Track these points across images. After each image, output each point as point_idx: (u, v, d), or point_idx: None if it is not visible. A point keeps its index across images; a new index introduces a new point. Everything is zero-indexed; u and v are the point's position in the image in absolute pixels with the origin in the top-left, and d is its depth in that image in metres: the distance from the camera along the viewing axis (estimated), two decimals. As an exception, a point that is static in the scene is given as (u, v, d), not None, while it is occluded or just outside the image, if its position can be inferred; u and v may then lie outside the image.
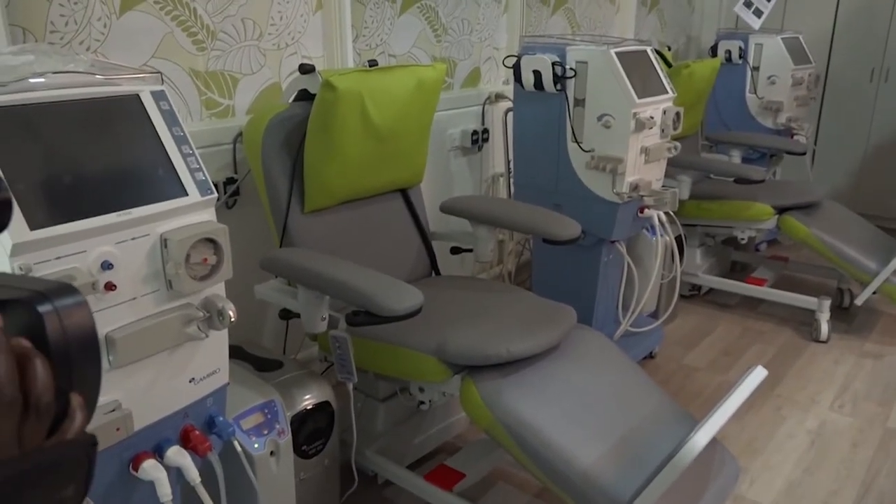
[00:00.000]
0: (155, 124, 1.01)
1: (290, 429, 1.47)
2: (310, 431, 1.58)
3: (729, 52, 3.74)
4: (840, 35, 4.18)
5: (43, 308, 0.44)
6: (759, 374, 1.49)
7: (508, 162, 2.86)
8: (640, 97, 2.14)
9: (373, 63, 1.91)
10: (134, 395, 0.97)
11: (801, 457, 2.10)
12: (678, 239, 2.84)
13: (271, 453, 1.41)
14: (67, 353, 0.45)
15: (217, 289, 1.05)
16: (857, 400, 2.40)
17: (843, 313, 3.05)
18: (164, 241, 0.96)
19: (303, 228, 1.77)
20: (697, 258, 3.16)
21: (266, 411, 1.44)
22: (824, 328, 2.78)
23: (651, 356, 2.68)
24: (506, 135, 2.83)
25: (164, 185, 0.98)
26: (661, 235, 2.70)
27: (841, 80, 4.21)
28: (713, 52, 3.81)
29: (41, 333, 0.44)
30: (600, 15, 3.50)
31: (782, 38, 3.62)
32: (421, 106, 1.88)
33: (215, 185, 1.91)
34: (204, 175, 1.03)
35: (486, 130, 2.81)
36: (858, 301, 2.72)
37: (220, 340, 1.09)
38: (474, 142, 2.75)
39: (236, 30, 1.95)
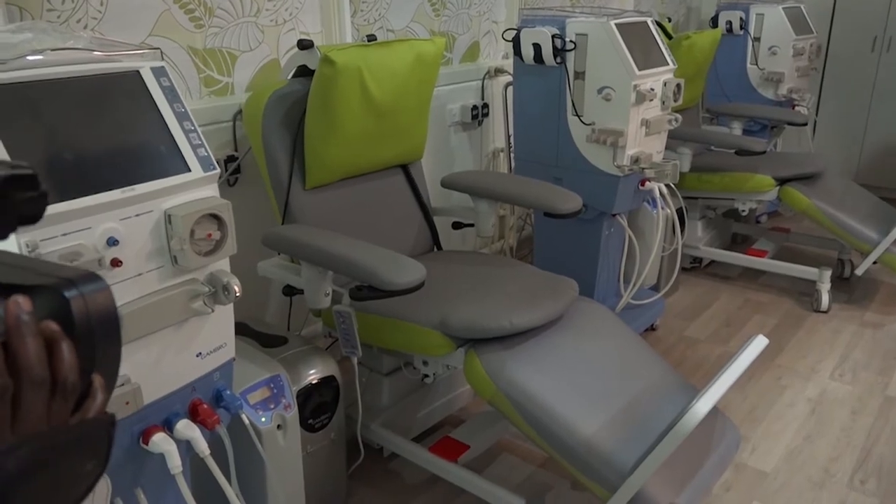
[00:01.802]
0: (156, 100, 1.01)
1: (296, 403, 1.49)
2: (315, 405, 1.60)
3: (730, 22, 3.71)
4: (841, 3, 4.14)
5: (70, 293, 0.45)
6: (759, 342, 1.50)
7: (509, 136, 2.86)
8: (640, 69, 2.13)
9: (371, 38, 1.90)
10: (142, 369, 0.98)
11: (802, 425, 2.13)
12: (679, 211, 2.84)
13: (278, 427, 1.43)
14: (91, 336, 0.47)
15: (222, 264, 1.06)
16: (856, 369, 2.41)
17: (844, 284, 3.06)
18: (168, 217, 0.97)
19: (304, 205, 1.78)
20: (698, 230, 3.16)
21: (272, 385, 1.45)
22: (825, 298, 2.79)
23: (652, 328, 2.69)
24: (506, 109, 2.82)
25: (166, 161, 0.99)
26: (662, 208, 2.70)
27: (842, 49, 4.18)
28: (714, 23, 3.78)
29: (68, 317, 0.45)
30: (598, -14, 3.47)
31: (784, 8, 3.59)
32: (420, 80, 1.87)
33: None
34: (206, 151, 1.03)
35: (485, 105, 2.80)
36: (859, 271, 2.73)
37: (226, 315, 1.10)
38: (474, 117, 2.74)
39: (234, 6, 1.94)
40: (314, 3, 2.15)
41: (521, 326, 1.57)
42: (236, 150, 1.97)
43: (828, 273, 2.78)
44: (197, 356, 1.06)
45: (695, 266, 3.23)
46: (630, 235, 2.41)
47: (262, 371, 1.47)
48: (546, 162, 2.39)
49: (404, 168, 2.04)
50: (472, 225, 2.11)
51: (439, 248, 2.14)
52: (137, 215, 0.95)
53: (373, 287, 1.40)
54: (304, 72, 1.82)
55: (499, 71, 2.82)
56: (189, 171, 1.01)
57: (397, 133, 1.89)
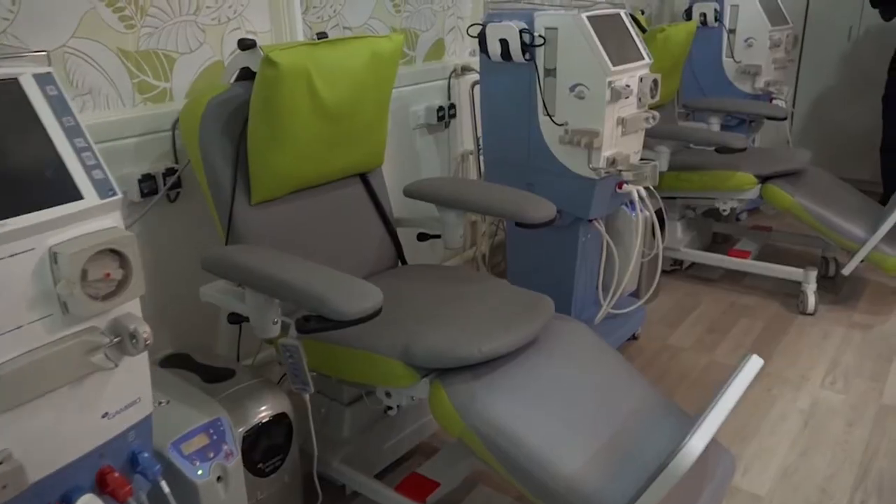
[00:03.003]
0: (39, 114, 0.83)
1: (239, 449, 1.32)
2: (266, 447, 1.43)
3: (704, 14, 3.59)
4: (817, -7, 4.05)
5: None
6: (754, 364, 1.36)
7: (477, 139, 2.70)
8: (615, 64, 1.98)
9: (322, 35, 1.73)
10: (28, 441, 0.81)
11: (796, 440, 2.00)
12: (658, 213, 2.71)
13: (218, 479, 1.26)
14: None
15: (129, 307, 0.89)
16: (848, 375, 2.30)
17: (830, 283, 2.95)
18: (53, 256, 0.80)
19: (251, 222, 1.61)
20: (678, 232, 3.04)
21: (211, 431, 1.28)
22: (811, 300, 2.68)
23: (634, 337, 2.55)
24: (473, 110, 2.67)
25: (52, 187, 0.81)
26: (641, 211, 2.57)
27: (818, 40, 4.09)
28: (688, 15, 3.65)
29: None
30: (569, -21, 3.32)
31: (759, -1, 3.48)
32: (377, 81, 1.71)
33: (153, 178, 1.76)
34: (104, 173, 0.86)
35: (452, 106, 2.64)
36: (846, 271, 2.62)
37: (138, 366, 0.93)
38: (440, 118, 2.58)
39: (170, 4, 1.76)
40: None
41: (492, 354, 1.41)
42: (176, 162, 1.79)
43: (813, 274, 2.67)
44: (103, 417, 0.89)
45: (676, 268, 3.11)
46: (608, 241, 2.27)
47: (199, 415, 1.30)
48: (517, 165, 2.23)
49: (363, 177, 1.88)
50: (438, 236, 1.96)
51: (404, 262, 1.98)
52: (13, 255, 0.77)
53: (322, 317, 1.24)
54: (247, 75, 1.64)
55: (466, 69, 2.67)
56: (81, 198, 0.83)
57: (353, 138, 1.73)
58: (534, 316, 1.55)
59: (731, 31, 3.57)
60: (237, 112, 1.59)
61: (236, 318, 1.59)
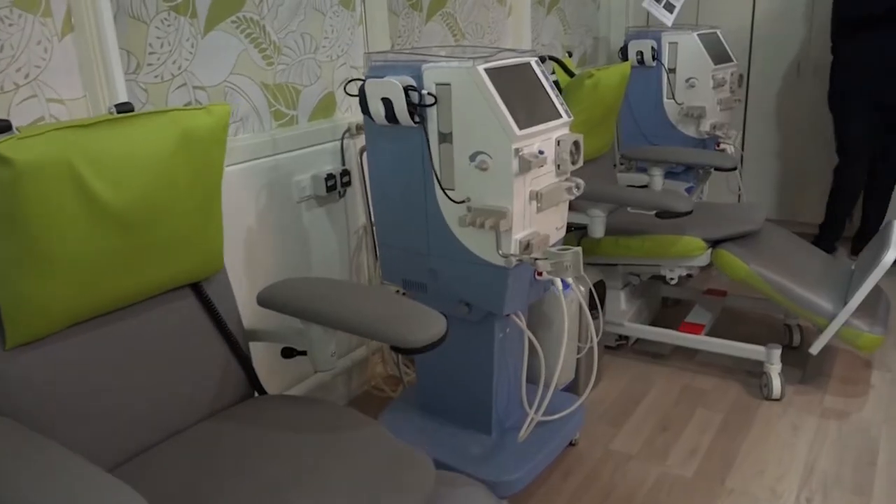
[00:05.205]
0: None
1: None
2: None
3: (641, 53, 3.26)
4: (760, 27, 3.77)
5: None
6: None
7: (370, 215, 2.29)
8: (522, 127, 1.59)
9: (123, 108, 1.30)
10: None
11: (769, 591, 1.58)
12: (598, 285, 2.31)
13: None
14: None
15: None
16: (826, 486, 1.90)
17: (794, 354, 2.58)
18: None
19: (9, 376, 1.14)
20: (622, 302, 2.64)
21: None
22: (776, 383, 2.29)
23: (572, 444, 2.13)
24: (363, 179, 2.26)
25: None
26: (572, 289, 2.17)
27: (764, 77, 3.80)
28: (623, 54, 3.33)
29: None
30: (489, 19, 2.96)
31: (699, 35, 3.17)
32: (195, 169, 1.28)
33: None
34: None
35: (346, 172, 2.22)
36: (813, 350, 2.24)
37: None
38: (331, 188, 2.16)
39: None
40: (69, 57, 1.54)
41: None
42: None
43: (777, 353, 2.29)
44: None
45: (622, 343, 2.71)
46: (531, 338, 1.85)
47: None
48: (416, 250, 1.82)
49: (195, 287, 1.43)
50: (305, 353, 1.52)
51: (260, 391, 1.53)
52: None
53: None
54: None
55: (361, 128, 2.26)
56: None
57: (163, 248, 1.28)
58: (406, 492, 1.11)
59: (671, 71, 3.25)
60: (-14, 220, 1.14)
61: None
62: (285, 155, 2.06)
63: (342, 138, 2.23)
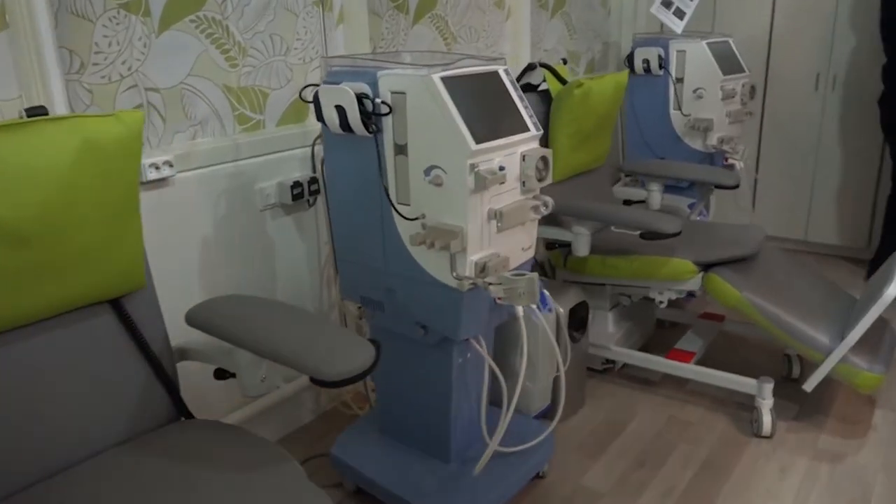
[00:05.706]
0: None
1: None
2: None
3: (647, 61, 3.12)
4: (779, 36, 3.59)
5: None
6: None
7: (330, 228, 2.19)
8: (480, 141, 1.47)
9: (35, 112, 1.22)
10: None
11: None
12: (580, 306, 2.19)
13: None
14: None
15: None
16: (810, 538, 1.75)
17: (792, 386, 2.42)
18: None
19: None
20: (609, 325, 2.51)
21: None
22: (766, 420, 2.14)
23: (540, 476, 2.00)
24: (324, 189, 2.16)
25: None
26: (550, 310, 2.05)
27: (781, 89, 3.62)
28: (629, 61, 3.19)
29: None
30: (484, 23, 2.85)
31: (708, 44, 3.01)
32: (102, 180, 1.19)
33: None
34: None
35: (314, 180, 2.12)
36: (807, 387, 2.09)
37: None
38: (297, 196, 2.06)
39: None
40: (2, 55, 1.46)
41: None
42: None
43: (769, 387, 2.13)
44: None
45: (609, 367, 2.57)
46: (491, 366, 1.73)
47: None
48: (373, 266, 1.71)
49: (116, 304, 1.34)
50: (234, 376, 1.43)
51: (187, 415, 1.44)
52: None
53: None
54: None
55: (333, 134, 2.16)
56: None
57: (70, 262, 1.20)
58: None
59: (679, 81, 3.10)
60: None
61: None
62: (249, 161, 1.97)
63: (313, 144, 2.13)
